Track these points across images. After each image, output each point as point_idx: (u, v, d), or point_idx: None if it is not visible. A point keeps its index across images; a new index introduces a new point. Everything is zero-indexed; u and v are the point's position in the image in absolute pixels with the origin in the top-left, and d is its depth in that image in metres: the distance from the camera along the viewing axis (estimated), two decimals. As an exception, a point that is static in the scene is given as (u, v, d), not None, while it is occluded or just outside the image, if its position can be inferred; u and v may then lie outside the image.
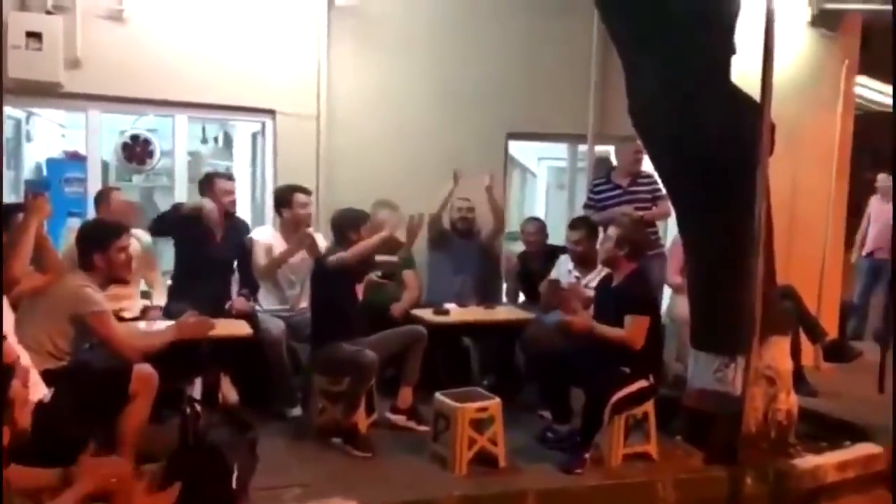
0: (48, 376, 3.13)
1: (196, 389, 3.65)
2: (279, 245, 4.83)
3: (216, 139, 8.97)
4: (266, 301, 4.83)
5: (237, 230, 4.90)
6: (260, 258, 4.77)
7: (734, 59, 4.09)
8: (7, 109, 5.34)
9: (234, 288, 4.87)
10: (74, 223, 4.74)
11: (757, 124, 3.83)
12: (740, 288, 3.92)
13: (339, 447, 4.05)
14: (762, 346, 4.06)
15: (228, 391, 3.77)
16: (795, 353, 4.83)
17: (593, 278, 4.75)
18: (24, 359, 2.90)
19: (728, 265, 4.09)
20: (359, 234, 4.31)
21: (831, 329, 6.04)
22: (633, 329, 3.93)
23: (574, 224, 5.05)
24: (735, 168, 3.97)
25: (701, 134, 4.03)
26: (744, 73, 4.10)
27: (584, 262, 4.88)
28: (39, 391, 2.99)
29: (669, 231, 5.80)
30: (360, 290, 4.49)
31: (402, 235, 4.52)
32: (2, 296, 2.94)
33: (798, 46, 6.31)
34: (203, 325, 3.75)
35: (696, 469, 4.03)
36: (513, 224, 6.50)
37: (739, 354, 4.06)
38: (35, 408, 2.72)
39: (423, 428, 4.26)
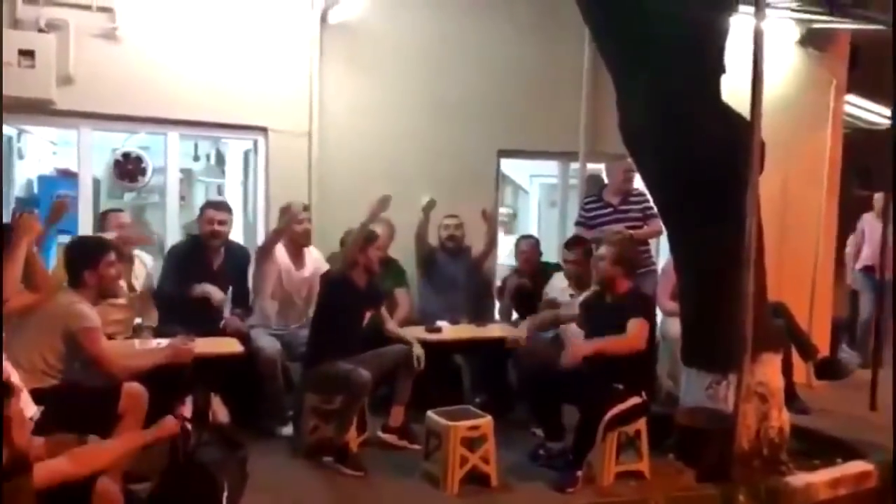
0: (37, 395, 3.11)
1: (186, 408, 3.62)
2: (285, 262, 4.82)
3: (208, 156, 8.98)
4: (263, 318, 4.81)
5: (235, 258, 4.90)
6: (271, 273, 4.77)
7: (724, 78, 4.13)
8: (-2, 127, 5.34)
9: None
10: (66, 241, 4.73)
11: (747, 142, 3.86)
12: (731, 305, 3.93)
13: (330, 466, 4.03)
14: (754, 363, 4.06)
15: (219, 410, 3.75)
16: (787, 370, 4.84)
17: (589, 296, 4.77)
18: (14, 377, 2.88)
19: (719, 282, 4.10)
20: (374, 250, 4.38)
21: (823, 346, 6.05)
22: (636, 332, 3.95)
23: (570, 244, 5.07)
24: (726, 185, 3.99)
25: (692, 152, 4.06)
26: (734, 91, 4.13)
27: (580, 280, 4.89)
28: (29, 410, 2.97)
29: (662, 251, 5.82)
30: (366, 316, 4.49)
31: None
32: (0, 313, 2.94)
33: (787, 65, 6.38)
34: (190, 351, 3.76)
35: (688, 487, 4.02)
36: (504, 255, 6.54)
37: (731, 371, 4.06)
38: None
39: (414, 446, 4.25)
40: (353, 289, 4.35)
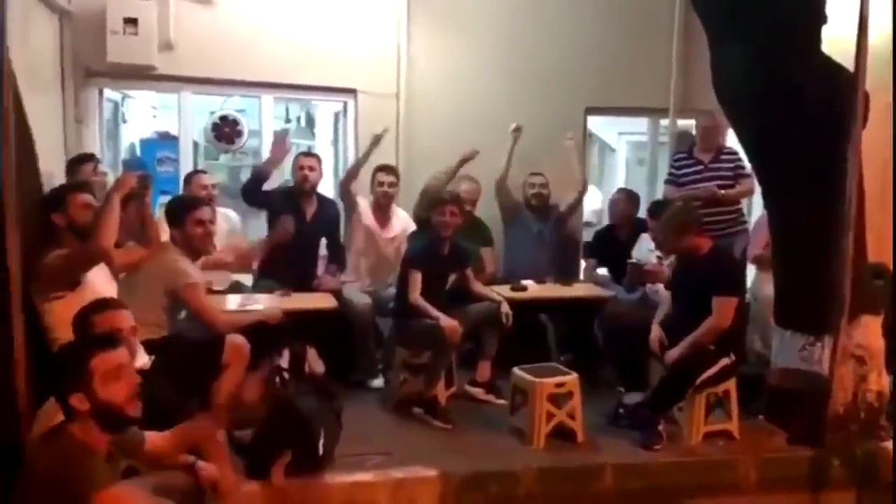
0: (148, 346, 3.31)
1: (284, 360, 3.79)
2: (371, 223, 4.97)
3: (299, 119, 9.19)
4: (355, 274, 4.97)
5: (327, 209, 5.05)
6: (358, 232, 4.93)
7: (825, 29, 3.94)
8: (105, 92, 5.61)
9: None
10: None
11: (849, 95, 3.69)
12: (829, 265, 3.81)
13: (420, 418, 4.15)
14: (852, 325, 3.94)
15: (315, 362, 3.90)
16: (891, 332, 4.65)
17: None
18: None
19: (816, 242, 3.97)
20: (437, 215, 4.38)
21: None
22: (721, 312, 3.85)
23: (654, 211, 4.93)
24: (826, 141, 3.84)
25: (789, 106, 3.90)
26: (836, 41, 3.94)
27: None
28: (141, 360, 3.18)
29: (755, 210, 5.66)
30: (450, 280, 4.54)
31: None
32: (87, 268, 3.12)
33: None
34: (279, 313, 3.90)
35: (779, 449, 3.96)
36: (591, 201, 6.44)
37: (826, 333, 3.95)
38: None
39: (500, 401, 4.33)
40: (436, 250, 4.41)
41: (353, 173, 5.00)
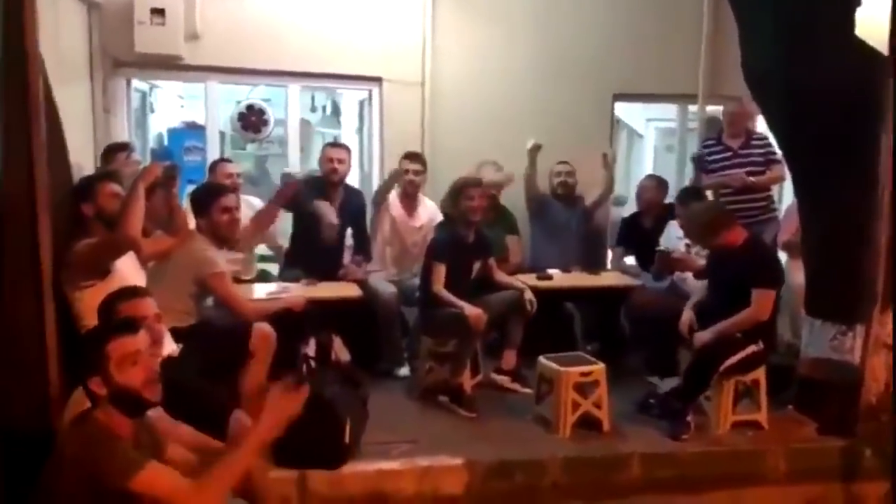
0: (176, 333, 3.34)
1: (310, 348, 3.82)
2: (397, 209, 4.98)
3: (324, 108, 9.21)
4: (381, 264, 4.99)
5: (353, 199, 5.05)
6: (384, 222, 4.94)
7: (859, 11, 3.86)
8: (133, 82, 5.67)
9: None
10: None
11: (883, 80, 3.61)
12: (861, 253, 3.74)
13: (445, 406, 4.16)
14: (885, 314, 3.86)
15: (341, 350, 3.92)
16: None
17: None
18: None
19: (849, 229, 3.90)
20: (459, 202, 4.37)
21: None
22: (761, 304, 3.80)
23: (682, 199, 4.87)
24: (858, 126, 3.76)
25: (821, 90, 3.82)
26: (869, 24, 3.85)
27: None
28: (169, 347, 3.21)
29: (785, 197, 5.58)
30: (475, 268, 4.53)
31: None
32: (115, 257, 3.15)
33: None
34: (302, 301, 3.93)
35: (808, 439, 3.92)
36: (618, 188, 6.37)
37: (858, 322, 3.89)
38: (164, 362, 2.92)
39: (525, 390, 4.32)
40: (460, 241, 4.40)
41: (384, 191, 5.03)
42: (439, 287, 4.25)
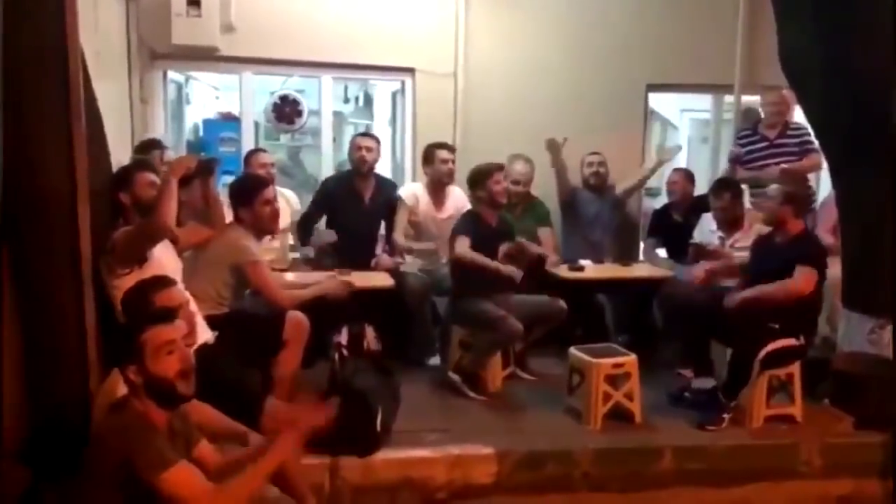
0: (212, 321, 3.40)
1: (343, 337, 3.85)
2: (424, 201, 4.98)
3: (357, 99, 9.23)
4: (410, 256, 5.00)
5: (384, 190, 5.08)
6: (402, 215, 4.93)
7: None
8: (169, 74, 5.74)
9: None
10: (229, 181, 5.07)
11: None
12: (900, 246, 3.67)
13: (457, 386, 4.21)
14: (923, 307, 3.80)
15: (372, 340, 3.95)
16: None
17: (739, 238, 4.63)
18: (191, 305, 3.17)
19: (886, 221, 3.83)
20: (487, 187, 4.34)
21: None
22: (803, 278, 3.80)
23: (717, 190, 4.79)
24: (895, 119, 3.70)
25: (858, 79, 3.75)
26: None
27: (729, 223, 4.72)
28: (205, 335, 3.27)
29: (822, 188, 5.48)
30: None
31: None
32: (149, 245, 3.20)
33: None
34: (344, 286, 3.97)
35: (844, 434, 3.87)
36: (652, 180, 6.31)
37: (897, 316, 3.82)
38: (200, 349, 2.97)
39: (527, 376, 4.48)
40: (484, 223, 4.37)
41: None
42: (464, 249, 4.17)
